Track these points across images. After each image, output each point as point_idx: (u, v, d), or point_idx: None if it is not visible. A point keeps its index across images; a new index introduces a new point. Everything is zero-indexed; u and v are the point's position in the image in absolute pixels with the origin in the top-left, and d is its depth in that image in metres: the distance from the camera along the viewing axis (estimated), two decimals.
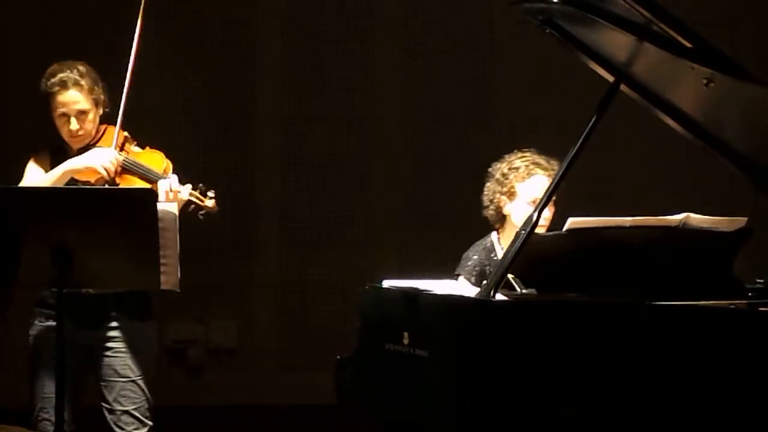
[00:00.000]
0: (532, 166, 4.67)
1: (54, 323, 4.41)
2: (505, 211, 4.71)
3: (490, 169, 4.75)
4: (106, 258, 4.09)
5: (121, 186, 4.52)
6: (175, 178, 4.57)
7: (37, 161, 4.65)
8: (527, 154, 4.72)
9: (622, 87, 4.09)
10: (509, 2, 4.11)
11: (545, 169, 4.68)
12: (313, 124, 7.74)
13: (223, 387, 7.56)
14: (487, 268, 4.66)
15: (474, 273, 4.67)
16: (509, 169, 4.69)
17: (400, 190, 7.80)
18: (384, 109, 7.80)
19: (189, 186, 4.58)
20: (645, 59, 3.97)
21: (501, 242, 4.74)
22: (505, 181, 4.68)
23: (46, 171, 4.60)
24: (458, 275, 4.69)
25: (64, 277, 4.07)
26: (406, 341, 3.97)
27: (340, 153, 7.76)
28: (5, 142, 7.24)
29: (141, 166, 4.59)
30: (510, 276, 3.96)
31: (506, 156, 4.75)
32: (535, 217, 3.96)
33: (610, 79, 4.09)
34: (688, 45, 3.80)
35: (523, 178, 4.66)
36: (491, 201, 4.72)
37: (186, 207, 4.55)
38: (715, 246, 4.16)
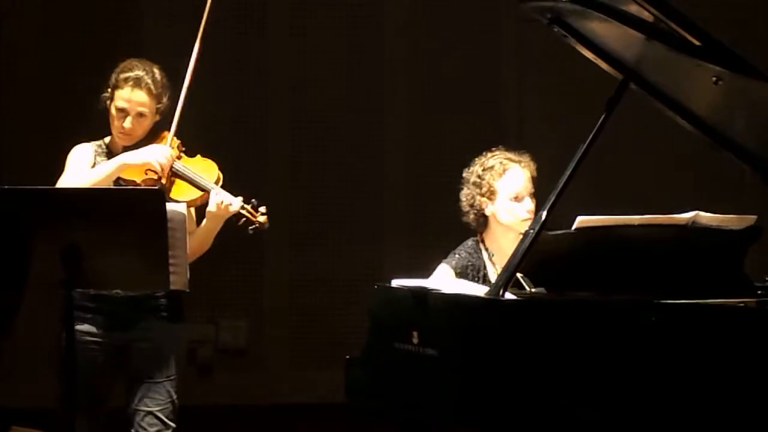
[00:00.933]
0: (505, 161, 4.64)
1: (86, 325, 4.46)
2: (488, 212, 4.66)
3: (464, 174, 4.72)
4: (115, 258, 4.08)
5: (172, 192, 4.49)
6: (226, 193, 4.51)
7: (83, 151, 4.59)
8: (497, 152, 4.69)
9: (631, 85, 4.08)
10: (517, 0, 4.11)
11: (518, 161, 4.65)
12: (323, 124, 7.74)
13: (233, 387, 7.58)
14: (470, 269, 4.63)
15: (459, 268, 4.62)
16: (483, 169, 4.66)
17: (410, 190, 7.80)
18: (392, 108, 7.81)
19: (240, 199, 4.53)
20: (654, 57, 3.96)
21: (485, 243, 4.69)
22: (482, 182, 4.64)
23: (91, 162, 4.56)
24: (442, 263, 4.67)
25: (73, 277, 4.06)
26: (415, 340, 3.97)
27: (348, 152, 7.76)
28: (11, 144, 7.28)
29: (193, 172, 4.54)
30: (519, 275, 3.96)
31: (475, 159, 4.72)
32: (544, 216, 3.95)
33: (619, 77, 4.08)
34: (697, 43, 3.79)
35: (500, 174, 4.62)
36: (471, 205, 4.68)
37: (236, 220, 4.52)
38: (725, 244, 4.15)
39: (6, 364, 6.88)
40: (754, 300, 4.08)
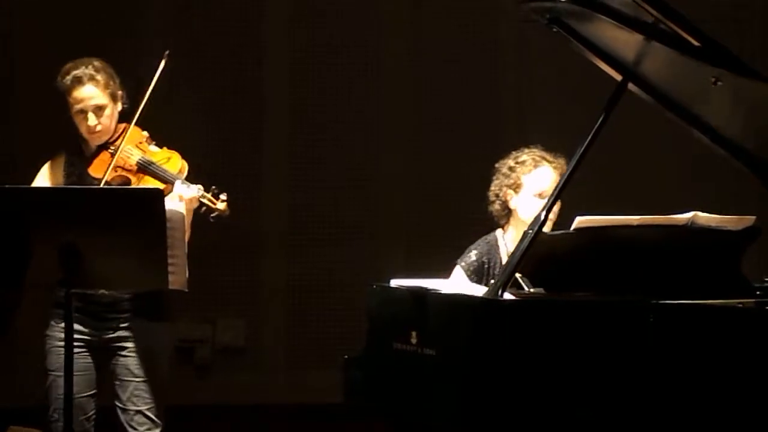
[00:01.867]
0: (538, 159, 4.67)
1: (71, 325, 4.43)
2: (512, 205, 4.69)
3: (496, 165, 4.75)
4: (114, 258, 4.08)
5: (134, 186, 4.52)
6: (185, 184, 4.53)
7: (50, 167, 4.65)
8: (534, 149, 4.73)
9: (630, 85, 4.08)
10: (517, 0, 4.11)
11: (551, 162, 4.67)
12: (321, 123, 7.73)
13: (231, 386, 7.56)
14: (487, 265, 4.66)
15: (472, 267, 4.65)
16: (516, 162, 4.69)
17: (408, 190, 7.79)
18: (391, 107, 7.79)
19: (199, 187, 4.55)
20: (653, 58, 3.96)
21: (506, 238, 4.72)
22: (512, 174, 4.67)
23: (58, 176, 4.61)
24: (456, 264, 4.69)
25: (71, 277, 4.06)
26: (414, 340, 3.97)
27: (347, 152, 7.74)
28: (17, 144, 7.27)
29: (156, 166, 4.57)
30: (518, 275, 3.95)
31: (513, 152, 4.75)
32: (543, 216, 3.95)
33: (618, 77, 4.08)
34: (696, 44, 3.79)
35: (530, 170, 4.66)
36: (497, 195, 4.71)
37: (197, 209, 4.54)
38: (723, 245, 4.15)
39: (3, 364, 6.88)
40: (753, 300, 4.08)
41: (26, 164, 4.82)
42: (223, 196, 4.57)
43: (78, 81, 4.54)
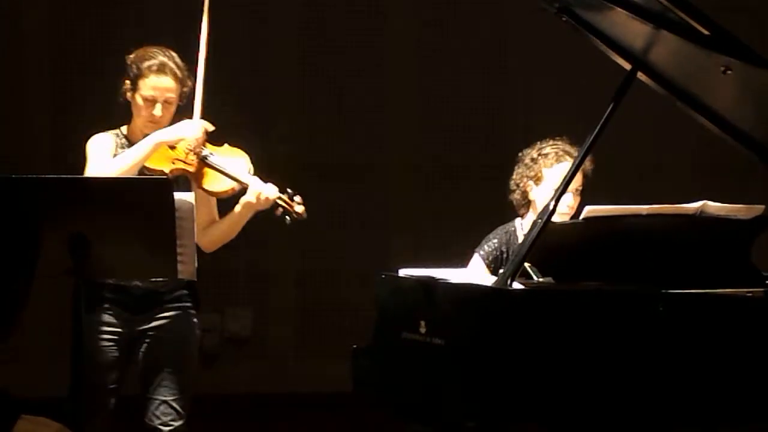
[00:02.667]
0: (561, 153, 4.66)
1: (105, 315, 4.44)
2: (531, 196, 4.69)
3: (519, 154, 4.75)
4: (123, 247, 4.07)
5: (204, 183, 4.43)
6: (264, 183, 4.45)
7: (102, 141, 4.50)
8: (558, 142, 4.72)
9: (639, 75, 4.08)
10: None
11: (574, 157, 4.60)
12: (330, 113, 7.73)
13: (239, 375, 7.58)
14: (505, 254, 4.66)
15: (491, 256, 4.67)
16: (539, 154, 4.69)
17: (416, 179, 7.78)
18: (400, 97, 7.79)
19: (276, 189, 4.48)
20: (662, 47, 3.96)
21: (524, 227, 4.72)
22: (534, 166, 4.67)
23: (112, 151, 4.49)
24: (475, 253, 4.70)
25: (80, 266, 4.04)
26: (422, 330, 3.96)
27: (355, 141, 7.74)
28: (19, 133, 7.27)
29: (224, 162, 4.46)
30: (527, 264, 3.95)
31: (538, 142, 4.74)
32: (552, 206, 3.94)
33: (627, 66, 4.07)
34: (706, 32, 3.78)
35: (551, 164, 4.66)
36: (518, 185, 4.72)
37: (273, 210, 4.47)
38: (733, 234, 4.14)
39: (16, 354, 6.90)
40: (762, 290, 4.06)
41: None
42: (298, 199, 4.50)
43: (161, 69, 4.44)
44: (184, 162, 4.44)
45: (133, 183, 4.23)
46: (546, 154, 4.67)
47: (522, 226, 4.73)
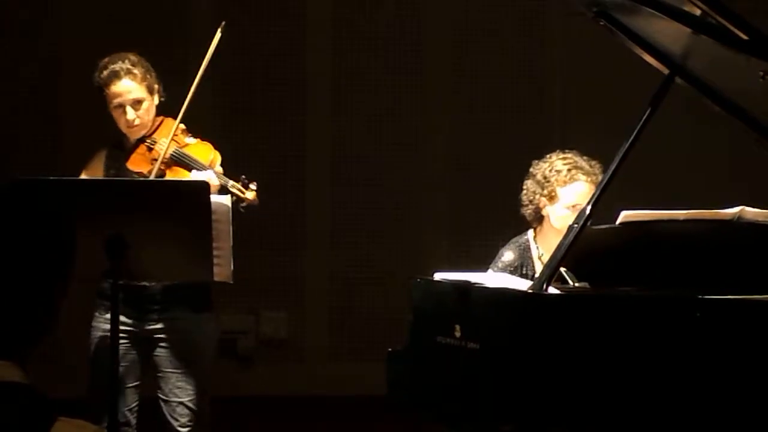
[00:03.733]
0: (574, 171, 4.63)
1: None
2: (544, 212, 4.67)
3: (531, 169, 4.72)
4: (160, 249, 4.09)
5: (171, 178, 4.54)
6: (210, 172, 4.53)
7: (93, 161, 4.67)
8: (569, 156, 4.68)
9: (677, 79, 4.04)
10: None
11: (587, 173, 4.63)
12: (363, 117, 7.72)
13: (274, 378, 7.57)
14: (519, 271, 4.64)
15: (507, 271, 4.63)
16: (551, 171, 4.65)
17: (450, 182, 7.76)
18: (432, 100, 7.77)
19: (218, 173, 4.54)
20: (700, 51, 3.93)
21: (537, 241, 4.70)
22: (546, 184, 4.64)
23: (98, 170, 4.62)
24: (489, 269, 4.67)
25: (118, 268, 4.06)
26: (457, 334, 3.94)
27: (389, 146, 7.73)
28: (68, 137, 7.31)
29: (188, 157, 4.60)
30: (563, 269, 3.95)
31: (548, 156, 4.71)
32: (588, 211, 3.91)
33: (665, 71, 4.04)
34: (745, 37, 3.74)
35: (565, 182, 4.62)
36: (530, 201, 4.69)
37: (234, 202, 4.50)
38: None
39: (49, 354, 6.92)
40: None
41: (70, 161, 4.85)
42: (252, 186, 4.56)
43: (115, 75, 4.56)
44: (162, 162, 4.56)
45: (172, 185, 4.28)
46: (559, 171, 4.64)
47: (535, 240, 4.70)
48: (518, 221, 4.82)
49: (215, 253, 4.12)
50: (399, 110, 7.74)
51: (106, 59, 4.64)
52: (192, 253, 4.11)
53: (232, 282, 4.30)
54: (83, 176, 4.63)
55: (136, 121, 4.59)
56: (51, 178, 4.14)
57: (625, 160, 3.96)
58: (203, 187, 4.14)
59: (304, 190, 7.72)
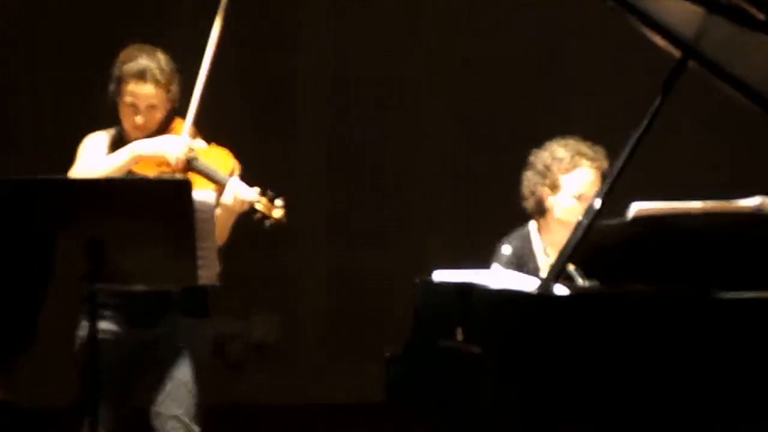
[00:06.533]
0: (577, 157, 4.52)
1: (105, 323, 4.36)
2: (547, 204, 4.57)
3: (530, 158, 4.61)
4: (140, 251, 4.02)
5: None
6: (242, 184, 4.36)
7: (96, 141, 4.46)
8: (570, 142, 4.57)
9: (690, 63, 3.94)
10: None
11: (591, 159, 4.53)
12: (360, 114, 7.69)
13: (265, 383, 7.54)
14: (522, 265, 4.54)
15: (511, 264, 4.54)
16: (552, 159, 4.54)
17: (449, 181, 7.75)
18: (433, 98, 7.76)
19: (256, 190, 4.37)
20: (715, 33, 3.83)
21: (540, 233, 4.61)
22: (548, 173, 4.53)
23: (105, 152, 4.43)
24: (493, 264, 4.59)
25: (97, 271, 3.99)
26: (459, 337, 3.86)
27: (386, 144, 7.70)
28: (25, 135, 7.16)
29: (208, 165, 4.38)
30: (571, 267, 3.87)
31: (547, 144, 4.60)
32: (597, 205, 3.80)
33: (677, 55, 3.94)
34: (762, 17, 3.66)
35: (568, 169, 4.51)
36: (532, 192, 4.59)
37: (251, 214, 4.36)
38: None
39: (32, 362, 6.84)
40: None
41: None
42: (279, 202, 4.39)
43: (141, 75, 4.36)
44: (171, 167, 4.36)
45: (152, 183, 4.17)
46: (560, 159, 4.53)
47: (538, 231, 4.60)
48: (522, 219, 4.72)
49: (199, 253, 4.03)
50: (397, 108, 7.70)
51: (134, 50, 4.41)
52: (175, 254, 4.01)
53: (218, 284, 4.23)
54: (85, 161, 4.42)
55: (145, 125, 4.41)
56: (24, 177, 4.04)
57: (636, 150, 3.85)
58: (186, 184, 4.03)
59: (297, 188, 7.65)
